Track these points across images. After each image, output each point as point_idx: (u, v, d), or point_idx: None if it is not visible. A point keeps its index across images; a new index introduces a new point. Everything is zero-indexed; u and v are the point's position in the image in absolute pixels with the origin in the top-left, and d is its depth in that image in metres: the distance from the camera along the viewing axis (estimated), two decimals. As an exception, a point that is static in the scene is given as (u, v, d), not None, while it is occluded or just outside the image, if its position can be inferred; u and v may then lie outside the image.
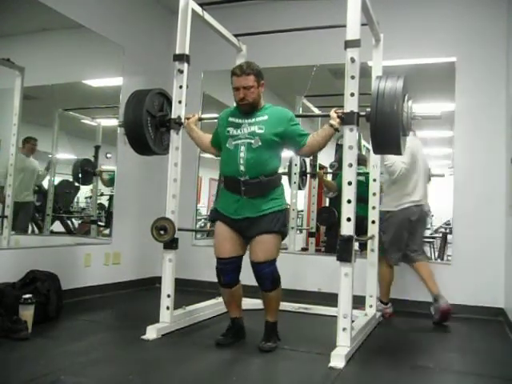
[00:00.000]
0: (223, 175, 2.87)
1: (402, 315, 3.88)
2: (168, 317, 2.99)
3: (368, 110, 2.60)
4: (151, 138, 3.09)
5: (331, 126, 2.66)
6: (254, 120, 2.75)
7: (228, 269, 2.79)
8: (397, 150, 2.68)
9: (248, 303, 3.42)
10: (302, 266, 3.95)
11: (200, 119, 3.17)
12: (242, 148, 2.70)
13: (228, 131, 2.79)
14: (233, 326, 2.92)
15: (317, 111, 5.09)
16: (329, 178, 5.20)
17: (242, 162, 2.69)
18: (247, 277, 3.02)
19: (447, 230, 4.59)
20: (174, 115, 3.08)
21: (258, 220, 2.72)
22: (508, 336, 3.35)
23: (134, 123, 3.01)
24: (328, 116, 2.73)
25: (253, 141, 2.70)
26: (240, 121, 2.77)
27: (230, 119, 2.82)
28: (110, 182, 4.65)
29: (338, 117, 2.64)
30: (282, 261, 2.87)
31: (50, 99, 4.26)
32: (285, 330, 2.92)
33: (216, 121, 2.95)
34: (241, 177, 2.71)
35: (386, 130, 2.55)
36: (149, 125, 3.06)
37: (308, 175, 5.33)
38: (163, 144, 3.20)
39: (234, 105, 2.84)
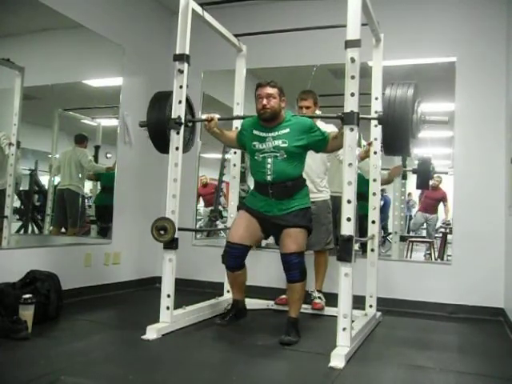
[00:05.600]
0: (253, 179, 3.13)
1: (402, 315, 3.88)
2: (168, 317, 2.99)
3: (378, 111, 2.73)
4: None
5: (342, 134, 2.74)
6: (276, 134, 2.96)
7: (233, 253, 3.01)
8: (406, 152, 2.85)
9: (249, 303, 3.42)
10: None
11: (219, 119, 3.21)
12: (269, 160, 2.95)
13: (254, 145, 3.01)
14: (233, 307, 3.19)
15: (317, 111, 5.07)
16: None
17: (269, 172, 2.94)
18: (250, 277, 3.05)
19: (447, 230, 4.59)
20: (174, 115, 3.08)
21: (286, 216, 2.94)
22: (508, 336, 3.35)
23: (157, 124, 3.18)
24: (328, 117, 2.73)
25: (278, 154, 2.93)
26: (264, 134, 2.99)
27: (255, 132, 3.02)
28: (96, 176, 4.64)
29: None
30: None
31: (50, 99, 4.26)
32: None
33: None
34: (269, 183, 2.95)
35: (397, 133, 2.71)
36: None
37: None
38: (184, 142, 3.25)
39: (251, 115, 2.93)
